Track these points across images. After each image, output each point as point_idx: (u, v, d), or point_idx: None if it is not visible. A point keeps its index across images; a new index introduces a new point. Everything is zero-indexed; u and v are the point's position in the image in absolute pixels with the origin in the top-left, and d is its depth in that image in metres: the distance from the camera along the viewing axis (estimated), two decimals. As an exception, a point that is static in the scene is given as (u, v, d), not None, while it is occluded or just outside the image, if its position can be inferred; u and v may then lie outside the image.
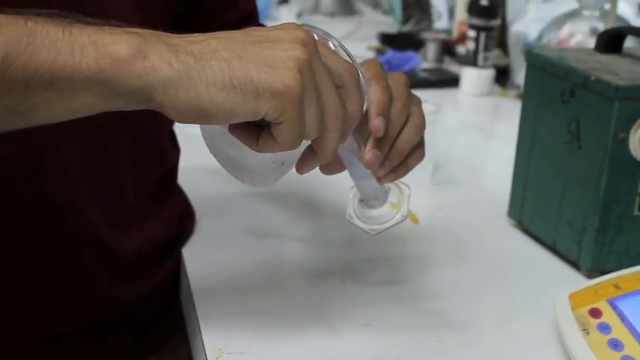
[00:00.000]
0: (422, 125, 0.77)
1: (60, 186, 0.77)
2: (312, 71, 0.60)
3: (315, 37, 0.63)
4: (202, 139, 0.68)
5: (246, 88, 0.57)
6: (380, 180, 0.75)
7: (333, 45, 0.69)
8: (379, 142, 0.73)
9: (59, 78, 0.55)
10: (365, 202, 0.78)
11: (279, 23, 0.64)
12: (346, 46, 0.70)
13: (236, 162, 0.69)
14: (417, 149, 0.78)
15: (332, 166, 0.76)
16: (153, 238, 0.91)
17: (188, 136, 0.90)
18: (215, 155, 0.69)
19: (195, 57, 0.57)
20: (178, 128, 0.92)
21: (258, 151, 0.62)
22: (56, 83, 0.55)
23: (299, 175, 0.68)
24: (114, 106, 0.58)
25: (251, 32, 0.61)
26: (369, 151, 0.73)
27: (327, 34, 0.70)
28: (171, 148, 0.96)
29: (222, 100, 0.57)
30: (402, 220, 0.77)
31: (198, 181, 1.09)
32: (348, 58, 0.68)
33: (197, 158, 0.83)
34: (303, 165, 0.68)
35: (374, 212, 0.78)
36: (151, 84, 0.56)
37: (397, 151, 0.75)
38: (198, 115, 0.58)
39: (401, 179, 0.77)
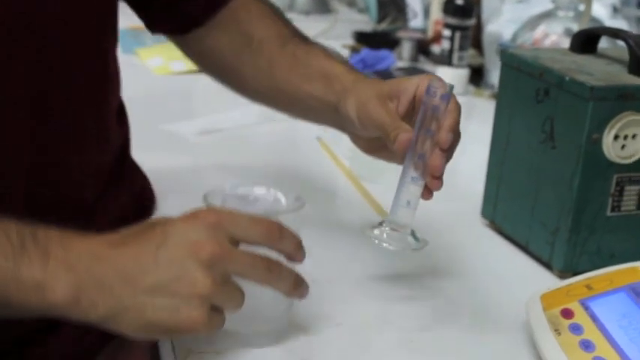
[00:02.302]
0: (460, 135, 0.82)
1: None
2: (220, 290, 0.66)
3: (223, 218, 0.67)
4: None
5: (161, 330, 0.66)
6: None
7: (444, 91, 0.77)
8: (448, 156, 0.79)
9: (8, 302, 0.63)
10: (395, 211, 0.79)
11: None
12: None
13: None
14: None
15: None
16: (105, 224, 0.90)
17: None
18: None
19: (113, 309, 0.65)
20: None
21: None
22: (7, 304, 0.64)
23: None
24: None
25: (145, 260, 0.65)
26: (440, 159, 0.77)
27: (438, 80, 0.78)
28: (115, 127, 0.94)
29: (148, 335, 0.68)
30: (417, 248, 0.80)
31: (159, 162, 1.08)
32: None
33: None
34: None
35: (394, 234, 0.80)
36: (92, 320, 0.65)
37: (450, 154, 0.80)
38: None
39: None
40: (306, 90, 0.91)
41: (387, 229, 0.79)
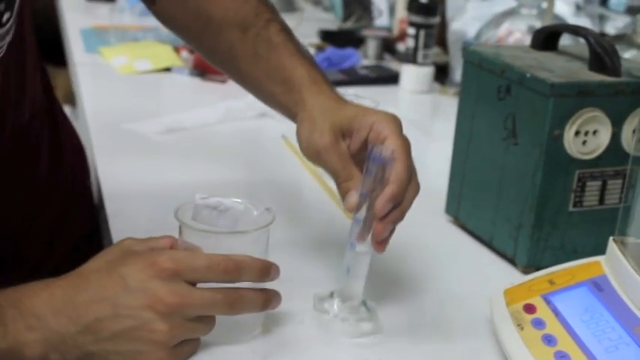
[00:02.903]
0: (418, 189, 0.78)
1: None
2: (180, 331, 0.69)
3: (172, 265, 0.69)
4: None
5: None
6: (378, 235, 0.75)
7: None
8: (396, 215, 0.74)
9: None
10: (341, 279, 0.77)
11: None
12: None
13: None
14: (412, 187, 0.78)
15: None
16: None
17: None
18: None
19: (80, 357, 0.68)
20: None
21: None
22: None
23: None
24: None
25: (103, 310, 0.68)
26: (381, 225, 0.74)
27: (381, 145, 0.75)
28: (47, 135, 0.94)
29: None
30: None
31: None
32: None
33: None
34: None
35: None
36: None
37: (401, 212, 0.75)
38: None
39: None
40: (268, 88, 0.89)
41: (336, 301, 0.77)
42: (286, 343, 0.76)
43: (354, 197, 0.75)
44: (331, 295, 0.78)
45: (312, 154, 0.80)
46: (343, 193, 0.77)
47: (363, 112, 0.79)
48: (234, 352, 0.74)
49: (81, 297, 0.68)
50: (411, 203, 0.76)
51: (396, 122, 0.78)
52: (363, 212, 0.74)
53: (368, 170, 0.73)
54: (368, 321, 0.77)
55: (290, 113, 0.86)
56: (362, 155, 0.77)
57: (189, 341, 0.71)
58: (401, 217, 0.75)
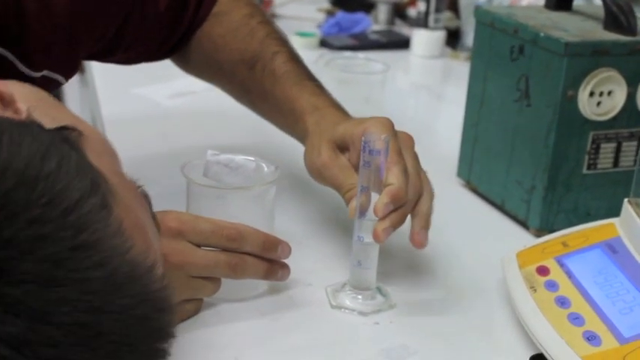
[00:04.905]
0: (433, 193, 0.78)
1: None
2: (184, 289, 0.70)
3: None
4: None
5: None
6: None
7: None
8: (395, 219, 0.73)
9: None
10: (351, 271, 0.76)
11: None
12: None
13: None
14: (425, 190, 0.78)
15: None
16: None
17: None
18: None
19: None
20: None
21: None
22: None
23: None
24: None
25: None
26: (382, 229, 0.72)
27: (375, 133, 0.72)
28: None
29: None
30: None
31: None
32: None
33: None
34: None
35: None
36: None
37: (422, 219, 0.76)
38: None
39: None
40: (279, 122, 0.92)
41: (347, 292, 0.76)
42: (294, 305, 0.75)
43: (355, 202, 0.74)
44: (343, 286, 0.77)
45: (315, 173, 0.81)
46: (348, 201, 0.76)
47: (355, 124, 0.79)
48: (241, 313, 0.74)
49: None
50: (428, 208, 0.76)
51: (386, 125, 0.76)
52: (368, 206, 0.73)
53: (364, 163, 0.72)
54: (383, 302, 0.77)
55: (302, 142, 0.87)
56: None
57: (192, 301, 0.71)
58: (402, 221, 0.74)
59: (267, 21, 0.97)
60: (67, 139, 0.49)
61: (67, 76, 0.84)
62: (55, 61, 0.80)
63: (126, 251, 0.45)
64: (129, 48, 0.92)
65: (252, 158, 0.77)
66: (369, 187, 0.72)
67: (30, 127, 0.47)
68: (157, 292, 0.47)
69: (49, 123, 0.50)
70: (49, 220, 0.42)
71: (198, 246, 0.70)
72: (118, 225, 0.46)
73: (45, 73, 0.79)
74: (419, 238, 0.76)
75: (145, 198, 0.60)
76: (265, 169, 0.77)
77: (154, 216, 0.59)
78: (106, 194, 0.46)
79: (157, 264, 0.49)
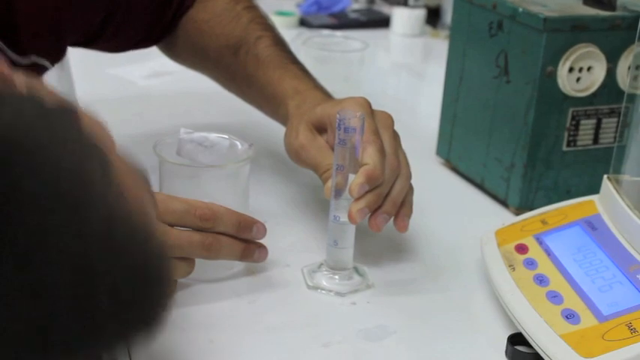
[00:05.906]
0: (410, 174, 0.77)
1: None
2: None
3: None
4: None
5: None
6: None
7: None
8: (370, 199, 0.72)
9: None
10: (327, 251, 0.75)
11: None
12: None
13: None
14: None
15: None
16: None
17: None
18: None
19: None
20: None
21: None
22: None
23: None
24: None
25: None
26: (357, 210, 0.71)
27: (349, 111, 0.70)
28: None
29: None
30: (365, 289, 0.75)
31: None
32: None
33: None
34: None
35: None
36: None
37: (393, 202, 0.74)
38: None
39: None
40: (263, 107, 0.92)
41: (324, 272, 0.75)
42: (272, 286, 0.74)
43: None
44: (320, 267, 0.76)
45: (293, 155, 0.80)
46: (325, 182, 0.75)
47: (332, 105, 0.78)
48: (217, 294, 0.72)
49: None
50: (400, 192, 0.75)
51: (363, 105, 0.75)
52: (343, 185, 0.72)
53: (339, 141, 0.70)
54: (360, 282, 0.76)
55: (285, 126, 0.86)
56: None
57: None
58: (377, 202, 0.73)
59: (253, 6, 0.96)
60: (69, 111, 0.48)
61: (54, 61, 0.84)
62: (42, 48, 0.79)
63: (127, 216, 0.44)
64: (116, 35, 0.92)
65: (225, 136, 0.75)
66: (345, 165, 0.71)
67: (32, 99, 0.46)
68: (155, 260, 0.46)
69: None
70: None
71: (172, 226, 0.69)
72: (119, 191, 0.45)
73: (33, 59, 0.78)
74: (403, 224, 0.75)
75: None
76: (239, 147, 0.76)
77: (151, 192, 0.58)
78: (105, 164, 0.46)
79: (156, 233, 0.48)
